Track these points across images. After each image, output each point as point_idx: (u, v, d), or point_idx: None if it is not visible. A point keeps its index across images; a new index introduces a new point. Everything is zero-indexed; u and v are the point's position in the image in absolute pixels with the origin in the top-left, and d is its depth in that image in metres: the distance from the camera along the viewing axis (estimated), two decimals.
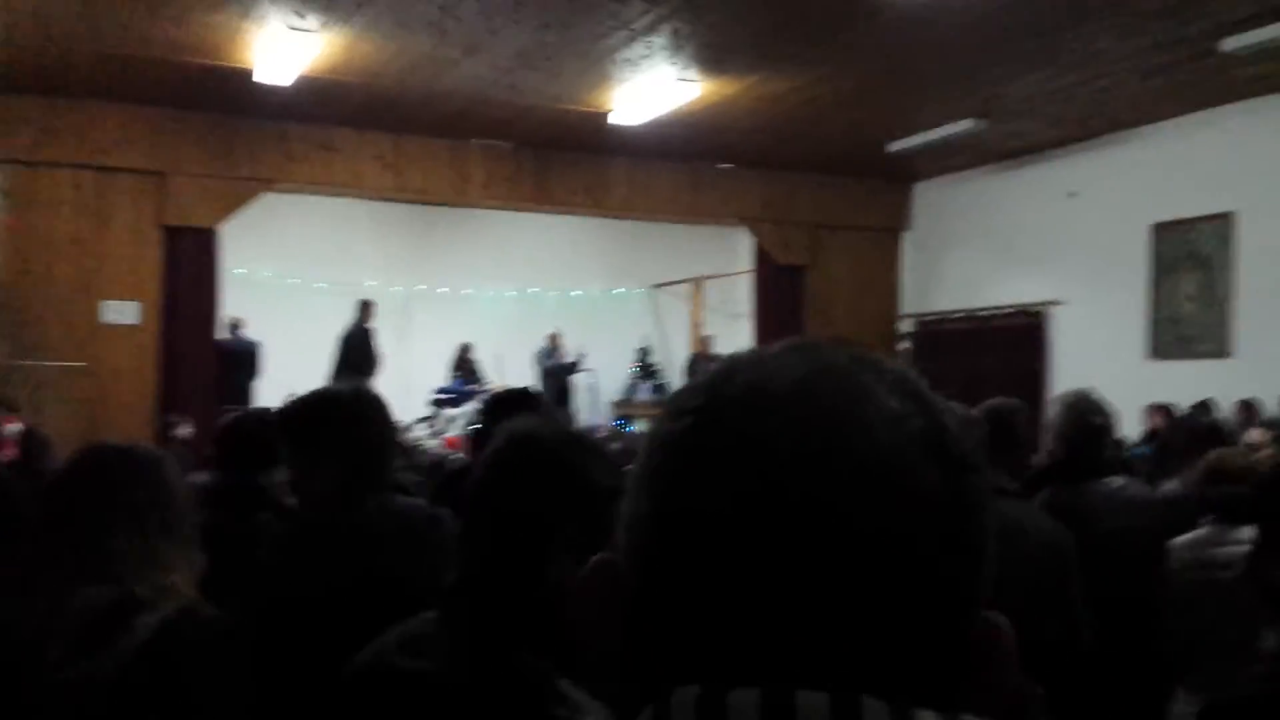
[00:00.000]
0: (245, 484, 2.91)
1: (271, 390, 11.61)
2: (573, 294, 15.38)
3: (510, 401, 3.39)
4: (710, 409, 0.57)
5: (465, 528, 1.51)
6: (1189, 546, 3.33)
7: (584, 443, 1.52)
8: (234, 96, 10.04)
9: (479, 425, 3.62)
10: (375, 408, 2.46)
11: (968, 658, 0.56)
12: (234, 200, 10.97)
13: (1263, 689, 2.05)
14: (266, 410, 2.74)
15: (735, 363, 0.61)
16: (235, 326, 11.67)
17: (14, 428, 5.20)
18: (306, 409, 2.44)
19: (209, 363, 10.92)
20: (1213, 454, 3.48)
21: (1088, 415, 3.48)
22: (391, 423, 2.51)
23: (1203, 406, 8.41)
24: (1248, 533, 2.82)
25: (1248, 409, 8.88)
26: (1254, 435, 5.55)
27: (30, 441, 5.47)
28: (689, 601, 0.55)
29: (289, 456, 2.45)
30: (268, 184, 11.16)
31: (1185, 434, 4.76)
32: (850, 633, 0.53)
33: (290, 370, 11.78)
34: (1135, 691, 3.33)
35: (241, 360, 11.46)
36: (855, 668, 0.53)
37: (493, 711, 1.36)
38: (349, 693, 1.49)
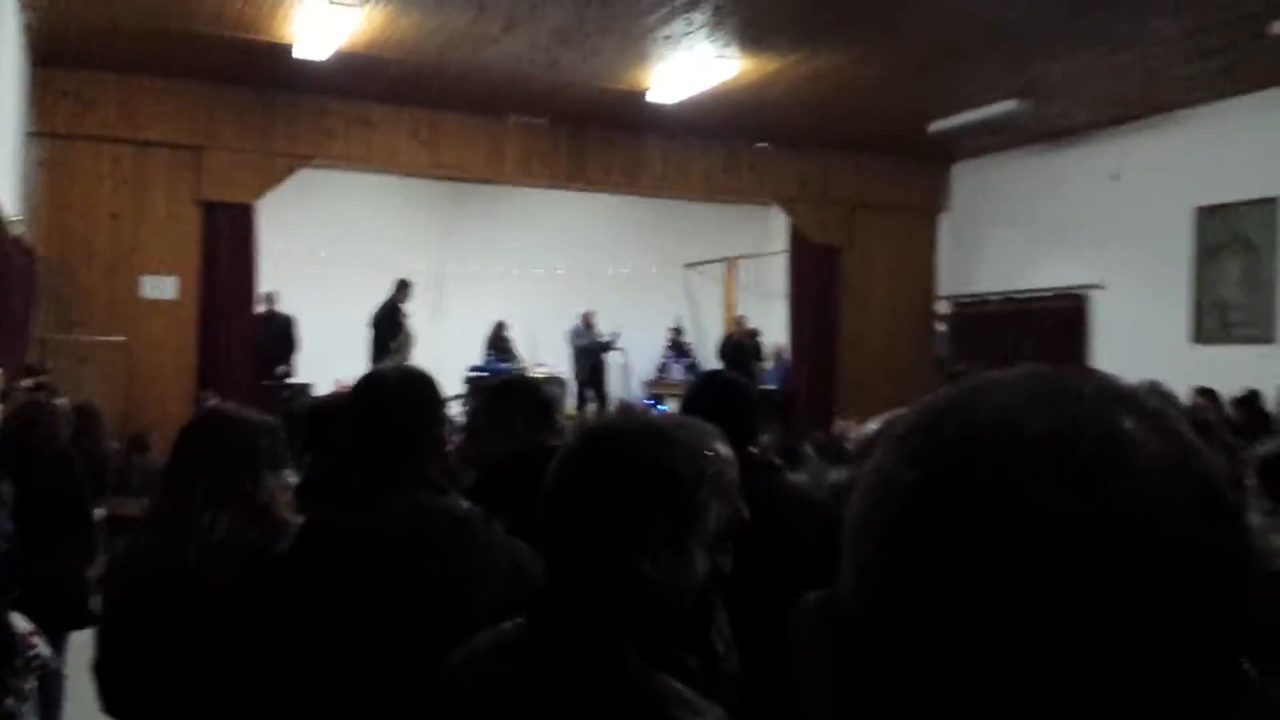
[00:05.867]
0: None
1: (306, 366, 11.70)
2: (607, 274, 15.35)
3: (508, 391, 3.19)
4: (950, 457, 0.54)
5: (546, 532, 1.42)
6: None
7: (663, 432, 1.44)
8: (272, 71, 10.04)
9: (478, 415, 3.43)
10: (420, 391, 2.30)
11: (1228, 712, 0.54)
12: (271, 176, 10.98)
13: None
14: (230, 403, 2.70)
15: (964, 400, 0.57)
16: (270, 301, 11.72)
17: (64, 402, 5.25)
18: (355, 393, 2.35)
19: (247, 338, 10.96)
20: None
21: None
22: (439, 409, 2.33)
23: (1252, 395, 8.28)
24: None
25: None
26: None
27: (83, 416, 5.52)
28: (936, 655, 0.53)
29: (340, 441, 2.41)
30: (305, 160, 11.16)
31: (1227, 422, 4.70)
32: (1115, 696, 0.51)
33: (324, 346, 11.86)
34: None
35: (277, 334, 11.52)
36: None
37: None
38: (439, 699, 1.43)
